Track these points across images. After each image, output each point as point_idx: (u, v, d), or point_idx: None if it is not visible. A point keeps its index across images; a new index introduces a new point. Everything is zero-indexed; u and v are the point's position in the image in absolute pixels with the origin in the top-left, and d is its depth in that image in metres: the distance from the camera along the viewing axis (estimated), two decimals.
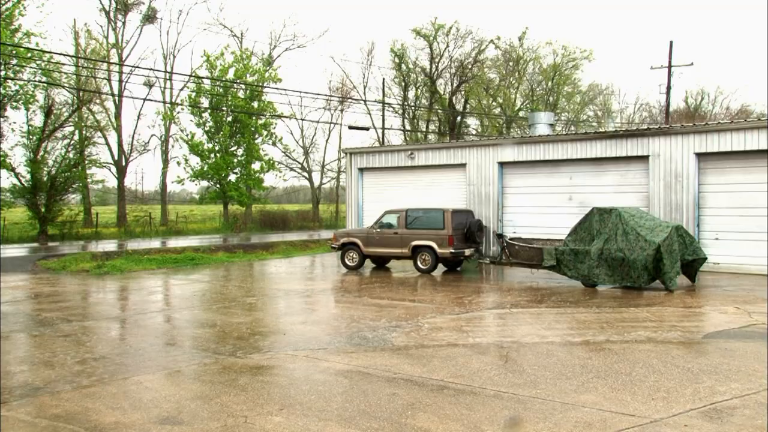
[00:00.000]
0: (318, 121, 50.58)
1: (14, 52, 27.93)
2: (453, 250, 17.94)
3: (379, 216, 19.52)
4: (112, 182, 46.71)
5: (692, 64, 43.56)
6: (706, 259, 15.21)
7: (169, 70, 46.91)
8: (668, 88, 37.77)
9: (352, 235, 19.47)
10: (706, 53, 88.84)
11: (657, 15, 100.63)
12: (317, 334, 10.08)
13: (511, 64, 49.37)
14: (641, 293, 14.00)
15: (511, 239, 17.50)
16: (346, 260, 19.21)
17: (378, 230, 18.86)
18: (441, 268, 18.86)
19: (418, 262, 18.30)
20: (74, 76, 35.47)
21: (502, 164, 22.07)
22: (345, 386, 7.24)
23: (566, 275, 15.43)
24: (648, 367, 7.87)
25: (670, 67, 37.42)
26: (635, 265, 14.20)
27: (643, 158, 19.05)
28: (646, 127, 21.42)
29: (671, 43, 37.43)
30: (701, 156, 18.07)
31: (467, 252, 18.53)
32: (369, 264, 20.17)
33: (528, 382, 7.30)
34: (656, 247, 13.92)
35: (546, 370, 7.79)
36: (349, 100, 52.04)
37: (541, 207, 21.09)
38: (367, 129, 43.54)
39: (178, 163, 42.24)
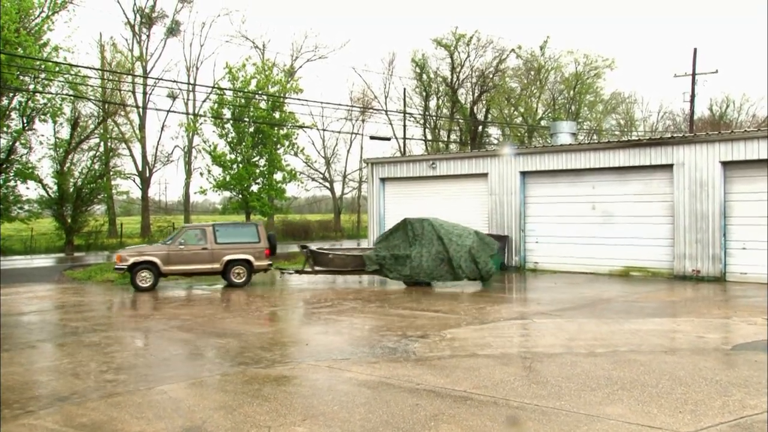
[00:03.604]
0: (339, 132, 50.80)
1: (43, 66, 28.43)
2: (270, 262, 18.59)
3: (176, 233, 18.79)
4: (137, 193, 47.36)
5: (717, 71, 42.85)
6: (496, 252, 17.82)
7: (192, 81, 47.50)
8: (692, 96, 37.34)
9: (147, 253, 17.78)
10: (731, 61, 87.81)
11: (680, 23, 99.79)
12: (339, 345, 10.07)
13: (532, 73, 49.19)
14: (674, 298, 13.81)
15: (318, 249, 19.04)
16: (138, 281, 17.39)
17: (181, 247, 17.79)
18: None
19: (232, 276, 18.04)
20: (100, 89, 36.02)
21: (524, 173, 21.96)
22: (368, 396, 7.22)
23: (388, 277, 17.38)
24: (675, 379, 7.75)
25: (694, 74, 37.02)
26: (452, 264, 16.66)
27: (667, 167, 18.83)
28: (670, 136, 21.19)
29: (695, 50, 37.07)
30: (727, 164, 17.81)
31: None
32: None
33: (552, 393, 7.22)
34: (468, 249, 16.76)
35: (570, 381, 7.70)
36: (371, 111, 52.20)
37: (564, 216, 20.93)
38: (388, 139, 43.62)
39: (201, 174, 42.49)
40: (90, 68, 34.85)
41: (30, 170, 31.42)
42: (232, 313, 13.57)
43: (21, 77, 28.44)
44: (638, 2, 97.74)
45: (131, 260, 17.43)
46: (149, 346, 10.78)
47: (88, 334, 11.25)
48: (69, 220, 32.29)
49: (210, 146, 41.11)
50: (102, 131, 36.05)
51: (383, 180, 26.06)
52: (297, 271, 18.97)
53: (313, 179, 53.10)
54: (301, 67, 52.15)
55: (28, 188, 32.38)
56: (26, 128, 31.06)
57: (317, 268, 18.33)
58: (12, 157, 30.74)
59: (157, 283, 17.81)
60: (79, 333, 11.42)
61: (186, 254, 17.82)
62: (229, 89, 40.64)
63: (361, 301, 14.87)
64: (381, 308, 13.80)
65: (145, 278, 17.50)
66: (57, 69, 29.09)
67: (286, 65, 50.80)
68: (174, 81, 41.44)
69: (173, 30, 45.50)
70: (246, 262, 18.20)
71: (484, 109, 50.32)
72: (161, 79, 42.44)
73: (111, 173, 36.61)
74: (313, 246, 19.74)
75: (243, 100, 40.45)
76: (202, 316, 13.16)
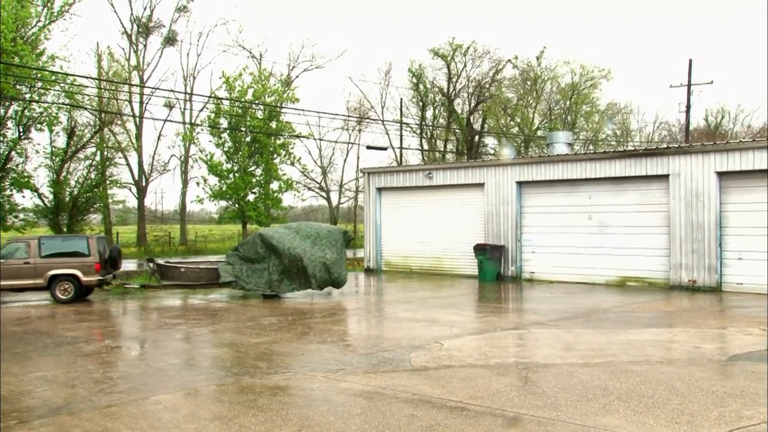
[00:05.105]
0: (336, 141, 50.87)
1: (39, 75, 28.42)
2: (101, 278, 17.39)
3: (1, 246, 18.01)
4: (133, 202, 47.22)
5: (712, 82, 43.34)
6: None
7: (188, 91, 47.54)
8: (688, 106, 37.55)
9: None
10: (726, 71, 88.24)
11: (676, 33, 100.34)
12: (335, 354, 10.04)
13: (528, 83, 49.39)
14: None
15: (167, 262, 18.75)
16: None
17: (1, 261, 16.72)
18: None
19: (58, 292, 16.99)
20: (96, 98, 36.02)
21: (520, 183, 22.00)
22: (363, 407, 7.20)
23: (244, 289, 17.25)
24: (671, 389, 7.74)
25: (689, 85, 37.23)
26: (308, 274, 16.83)
27: (663, 177, 18.89)
28: (666, 146, 21.27)
29: (690, 61, 37.29)
30: (723, 175, 17.88)
31: (109, 278, 18.13)
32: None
33: (548, 404, 7.20)
34: (323, 261, 16.99)
35: (566, 391, 7.69)
36: (367, 120, 52.30)
37: (560, 227, 20.96)
38: (384, 149, 43.70)
39: (198, 183, 42.57)
40: (86, 77, 34.87)
41: (26, 179, 31.32)
42: None
43: (17, 86, 28.42)
44: (634, 13, 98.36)
45: None
46: None
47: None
48: (65, 229, 32.18)
49: (206, 155, 41.23)
50: (98, 140, 36.01)
51: (380, 190, 26.07)
52: (142, 286, 18.56)
53: (309, 189, 53.11)
54: (297, 76, 52.28)
55: (24, 197, 32.28)
56: (22, 137, 31.01)
57: (165, 282, 17.96)
58: (8, 166, 30.67)
59: None
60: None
61: (7, 269, 16.69)
62: (226, 98, 40.76)
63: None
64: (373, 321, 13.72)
65: None
66: (53, 78, 29.08)
67: (282, 75, 50.94)
68: (171, 90, 41.54)
69: (170, 39, 45.57)
70: (73, 278, 17.00)
71: (480, 119, 50.47)
72: (158, 88, 42.49)
73: (107, 182, 36.53)
74: (161, 260, 19.37)
75: (240, 110, 40.54)
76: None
